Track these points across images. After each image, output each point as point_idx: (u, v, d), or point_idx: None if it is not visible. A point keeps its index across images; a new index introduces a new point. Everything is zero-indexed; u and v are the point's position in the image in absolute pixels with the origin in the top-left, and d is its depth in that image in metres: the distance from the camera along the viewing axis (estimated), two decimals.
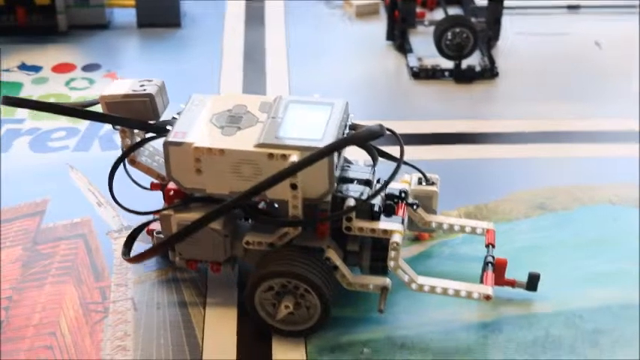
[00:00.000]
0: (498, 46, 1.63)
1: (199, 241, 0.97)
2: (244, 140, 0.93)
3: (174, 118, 0.99)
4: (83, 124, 1.36)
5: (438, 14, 1.67)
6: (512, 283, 1.02)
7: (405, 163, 1.02)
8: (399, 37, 1.62)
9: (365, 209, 0.96)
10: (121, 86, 1.00)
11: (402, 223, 0.98)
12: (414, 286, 0.97)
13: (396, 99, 1.49)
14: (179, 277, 1.07)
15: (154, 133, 1.01)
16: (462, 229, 1.07)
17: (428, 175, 1.08)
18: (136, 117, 0.99)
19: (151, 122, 1.00)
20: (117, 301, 1.04)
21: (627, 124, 1.40)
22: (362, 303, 1.02)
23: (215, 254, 0.98)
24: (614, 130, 1.39)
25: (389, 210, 0.98)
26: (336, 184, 0.95)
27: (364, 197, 0.95)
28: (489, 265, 1.00)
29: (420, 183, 1.08)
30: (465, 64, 1.53)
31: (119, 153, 1.27)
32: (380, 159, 1.02)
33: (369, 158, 1.01)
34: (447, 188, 1.21)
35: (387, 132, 0.93)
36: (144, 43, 1.65)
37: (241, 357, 0.96)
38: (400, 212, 1.00)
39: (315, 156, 0.89)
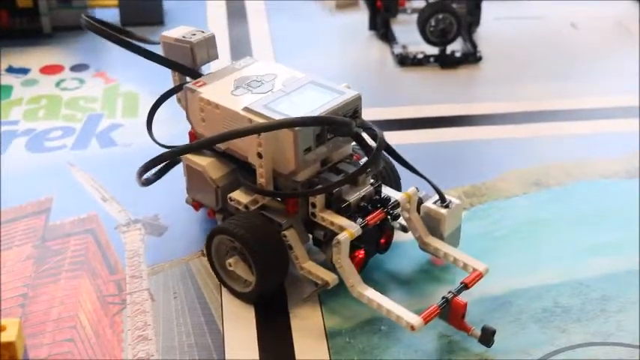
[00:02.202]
0: (478, 32, 1.66)
1: (202, 186, 1.04)
2: (242, 103, 0.99)
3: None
4: (78, 123, 1.37)
5: (417, 3, 1.69)
6: (467, 330, 0.95)
7: (427, 181, 1.04)
8: (381, 27, 1.64)
9: (337, 203, 0.98)
10: (178, 31, 1.08)
11: (363, 226, 0.96)
12: (355, 292, 0.97)
13: (384, 86, 1.51)
14: (192, 267, 1.08)
15: (189, 77, 1.08)
16: (455, 261, 1.02)
17: (447, 197, 1.04)
18: (181, 60, 1.07)
19: (189, 67, 1.07)
20: (133, 293, 1.05)
21: (610, 101, 1.44)
22: (383, 283, 1.05)
23: (210, 201, 1.05)
24: (598, 107, 1.43)
25: (361, 211, 0.99)
26: (316, 170, 0.99)
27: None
28: (444, 300, 0.95)
29: (435, 203, 1.04)
30: (448, 49, 1.56)
31: (117, 150, 1.30)
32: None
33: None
34: (442, 169, 1.25)
35: (359, 127, 0.97)
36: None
37: (262, 336, 0.97)
38: (371, 217, 0.98)
39: (272, 124, 0.93)
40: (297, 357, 0.95)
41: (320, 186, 0.98)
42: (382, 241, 1.02)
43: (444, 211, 1.03)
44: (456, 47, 1.58)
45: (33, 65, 1.56)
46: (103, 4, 1.70)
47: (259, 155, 0.97)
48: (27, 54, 1.59)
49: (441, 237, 1.04)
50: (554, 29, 1.70)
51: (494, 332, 0.94)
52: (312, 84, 1.02)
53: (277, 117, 0.95)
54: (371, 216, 0.98)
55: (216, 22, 1.71)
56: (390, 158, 1.07)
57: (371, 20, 1.66)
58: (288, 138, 0.95)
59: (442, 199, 1.03)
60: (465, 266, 1.00)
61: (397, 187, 1.08)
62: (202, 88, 1.03)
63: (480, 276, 0.99)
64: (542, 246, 1.12)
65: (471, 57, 1.56)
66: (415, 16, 1.58)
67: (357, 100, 0.99)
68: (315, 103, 0.98)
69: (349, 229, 0.96)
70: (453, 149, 1.32)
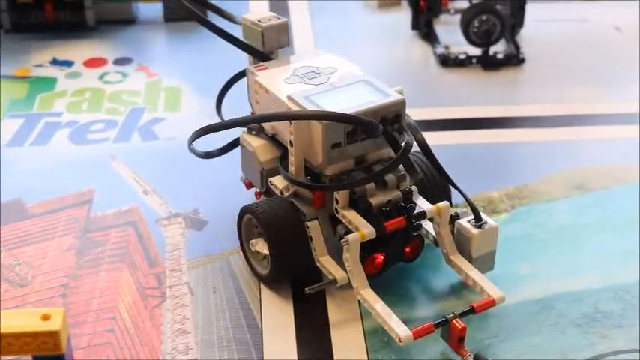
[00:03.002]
0: (522, 34, 1.65)
1: (252, 167, 1.07)
2: (289, 91, 1.00)
3: None
4: (120, 117, 1.38)
5: (461, 3, 1.69)
6: (463, 355, 0.92)
7: (464, 196, 1.02)
8: (424, 27, 1.64)
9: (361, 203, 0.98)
10: (256, 15, 1.11)
11: (378, 229, 0.95)
12: (357, 295, 0.96)
13: (425, 86, 1.51)
14: (231, 262, 1.08)
15: (259, 60, 1.09)
16: (474, 284, 0.99)
17: (485, 217, 1.00)
18: (254, 43, 1.09)
19: (259, 50, 1.09)
20: (173, 286, 1.05)
21: None
22: (414, 284, 1.04)
23: (257, 182, 1.08)
24: None
25: (385, 214, 0.97)
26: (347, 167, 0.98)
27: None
28: (443, 320, 0.93)
29: (470, 221, 1.01)
30: (491, 51, 1.55)
31: (158, 144, 1.30)
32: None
33: None
34: (484, 171, 1.25)
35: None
36: (171, 36, 1.67)
37: (301, 334, 0.97)
38: (390, 223, 0.96)
39: (297, 114, 0.95)
40: (334, 355, 0.95)
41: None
42: (407, 249, 1.00)
43: (475, 231, 0.99)
44: (499, 49, 1.57)
45: (77, 58, 1.57)
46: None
47: (290, 144, 0.98)
48: (71, 47, 1.61)
49: (469, 257, 1.00)
50: (598, 32, 1.69)
51: None
52: (363, 82, 1.01)
53: (312, 108, 0.96)
54: (390, 222, 0.96)
55: None
56: (433, 169, 1.04)
57: (413, 20, 1.66)
58: (317, 131, 0.95)
59: (477, 218, 1.00)
60: (482, 290, 0.97)
61: (445, 200, 1.03)
62: (260, 72, 1.05)
63: (493, 303, 0.95)
64: (582, 250, 1.11)
65: (514, 59, 1.56)
66: (458, 17, 1.57)
67: (400, 104, 0.98)
68: (356, 100, 0.97)
69: (363, 229, 0.95)
70: (495, 151, 1.31)
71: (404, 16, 1.71)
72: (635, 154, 1.30)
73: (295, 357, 0.94)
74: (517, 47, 1.58)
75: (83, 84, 1.49)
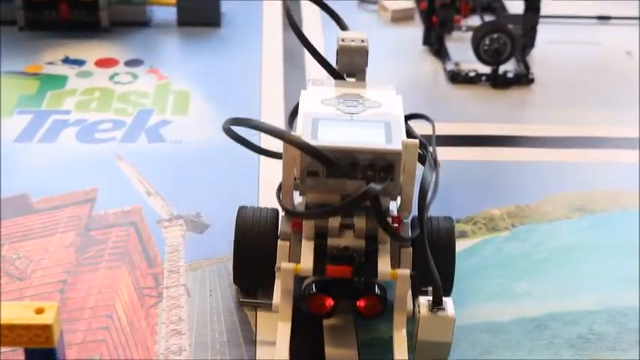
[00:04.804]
0: (532, 54, 1.66)
1: None
2: (312, 110, 0.98)
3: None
4: (129, 117, 1.39)
5: (472, 20, 1.69)
6: None
7: (433, 277, 0.90)
8: (435, 42, 1.64)
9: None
10: (349, 34, 1.10)
11: (318, 268, 0.92)
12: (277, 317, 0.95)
13: (434, 102, 1.51)
14: (229, 266, 1.08)
15: (332, 76, 1.08)
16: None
17: (447, 303, 0.89)
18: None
19: (333, 68, 1.08)
20: (170, 287, 1.06)
21: None
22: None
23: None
24: None
25: (335, 258, 0.93)
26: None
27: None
28: None
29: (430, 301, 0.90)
30: (501, 69, 1.55)
31: (165, 146, 1.31)
32: None
33: None
34: (487, 188, 1.25)
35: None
36: (184, 41, 1.67)
37: (295, 339, 0.97)
38: (332, 268, 0.92)
39: (276, 131, 0.91)
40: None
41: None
42: (360, 304, 0.93)
43: (424, 311, 0.89)
44: (509, 68, 1.57)
45: (89, 57, 1.58)
46: (161, 2, 1.72)
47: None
48: (84, 46, 1.62)
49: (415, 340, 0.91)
50: (609, 56, 1.69)
51: None
52: (384, 124, 0.96)
53: (309, 131, 0.93)
54: (334, 267, 0.92)
55: (272, 29, 1.73)
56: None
57: (425, 35, 1.66)
58: (297, 154, 0.92)
59: (435, 300, 0.89)
60: None
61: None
62: (310, 87, 1.04)
63: None
64: (581, 272, 1.11)
65: (523, 78, 1.56)
66: (470, 34, 1.58)
67: (394, 155, 0.90)
68: (353, 137, 0.93)
69: (301, 264, 0.92)
70: (500, 169, 1.31)
71: (416, 31, 1.71)
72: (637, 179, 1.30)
73: None
74: (527, 67, 1.58)
75: (93, 83, 1.50)
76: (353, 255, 0.92)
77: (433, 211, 1.04)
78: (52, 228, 1.14)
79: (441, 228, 1.01)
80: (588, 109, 1.49)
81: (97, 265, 1.08)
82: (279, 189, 1.00)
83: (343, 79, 1.08)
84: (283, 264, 0.93)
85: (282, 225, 0.98)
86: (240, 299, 1.02)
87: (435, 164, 1.11)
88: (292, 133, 0.93)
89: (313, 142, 0.90)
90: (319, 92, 1.03)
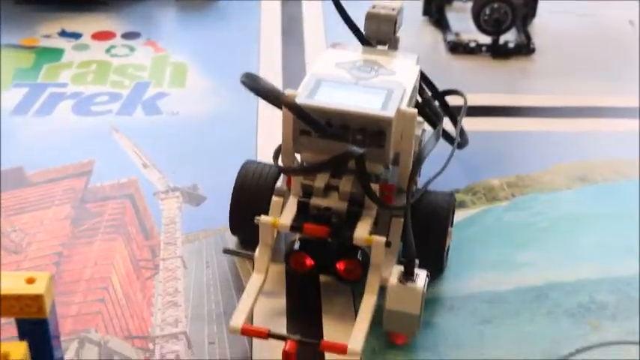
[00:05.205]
0: (533, 24, 1.64)
1: None
2: (322, 71, 0.98)
3: None
4: (125, 90, 1.38)
5: None
6: None
7: (408, 249, 0.90)
8: (435, 13, 1.63)
9: None
10: (386, 2, 1.08)
11: (295, 225, 0.92)
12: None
13: (434, 73, 1.46)
14: (226, 238, 1.08)
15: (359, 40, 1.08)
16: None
17: (419, 274, 0.90)
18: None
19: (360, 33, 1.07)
20: (166, 259, 1.05)
21: None
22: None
23: None
24: None
25: (315, 217, 0.92)
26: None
27: None
28: (280, 336, 0.88)
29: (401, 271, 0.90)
30: (501, 39, 1.54)
31: (161, 119, 1.30)
32: None
33: None
34: (487, 158, 1.23)
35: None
36: (182, 13, 1.66)
37: (292, 309, 0.97)
38: (310, 226, 0.91)
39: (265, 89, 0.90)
40: (324, 334, 0.94)
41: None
42: (340, 266, 0.93)
43: (393, 281, 0.89)
44: (510, 38, 1.55)
45: (86, 30, 1.57)
46: None
47: None
48: (81, 19, 1.60)
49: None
50: (611, 26, 1.67)
51: None
52: (386, 90, 0.94)
53: (304, 92, 0.93)
54: (311, 226, 0.91)
55: (270, 2, 1.71)
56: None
57: (425, 6, 1.65)
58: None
59: (406, 270, 0.89)
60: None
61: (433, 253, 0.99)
62: (332, 49, 1.04)
63: (342, 350, 0.86)
64: (582, 241, 1.10)
65: (524, 48, 1.54)
66: (470, 4, 1.56)
67: (384, 121, 0.90)
68: (350, 101, 0.92)
69: (281, 219, 0.92)
70: (501, 139, 1.30)
71: (416, 2, 1.69)
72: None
73: (285, 333, 0.93)
74: (528, 37, 1.56)
75: (90, 56, 1.48)
76: (332, 216, 0.92)
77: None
78: (48, 201, 1.14)
79: (438, 203, 1.00)
80: (589, 79, 1.47)
81: (93, 238, 1.08)
82: (277, 150, 0.99)
83: (372, 45, 1.07)
84: (263, 217, 0.93)
85: (279, 182, 0.99)
86: (224, 248, 1.02)
87: (462, 138, 1.10)
88: (289, 92, 0.93)
89: (307, 102, 0.91)
90: (338, 55, 1.02)
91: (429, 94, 1.12)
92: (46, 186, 1.16)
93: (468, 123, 1.33)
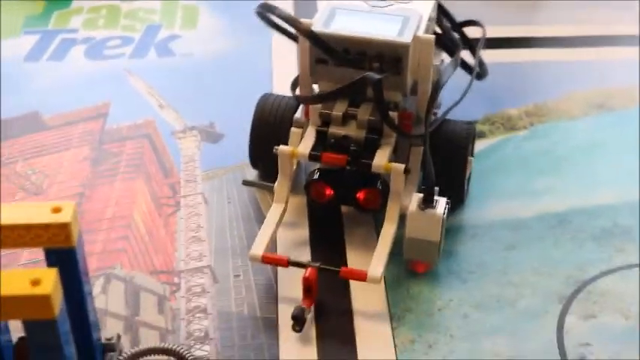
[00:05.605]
0: None
1: None
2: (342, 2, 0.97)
3: None
4: (137, 33, 1.37)
5: None
6: (304, 305, 0.86)
7: (428, 177, 0.90)
8: None
9: None
10: None
11: (314, 154, 0.92)
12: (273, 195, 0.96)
13: (445, 5, 1.47)
14: (246, 173, 1.07)
15: None
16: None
17: (438, 202, 0.90)
18: None
19: None
20: (187, 196, 1.05)
21: None
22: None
23: None
24: None
25: (335, 146, 0.93)
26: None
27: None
28: (300, 264, 0.88)
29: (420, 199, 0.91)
30: None
31: (175, 60, 1.29)
32: None
33: None
34: (504, 89, 1.22)
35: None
36: None
37: (315, 239, 0.97)
38: (328, 155, 0.92)
39: (283, 15, 0.93)
40: (348, 265, 0.94)
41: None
42: (360, 195, 0.93)
43: (413, 208, 0.90)
44: None
45: None
46: None
47: None
48: None
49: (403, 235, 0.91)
50: None
51: None
52: (402, 18, 0.94)
53: (320, 20, 0.92)
54: (330, 154, 0.92)
55: None
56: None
57: None
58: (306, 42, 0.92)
59: (426, 199, 0.90)
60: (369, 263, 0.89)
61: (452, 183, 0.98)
62: None
63: (363, 277, 0.86)
64: (601, 167, 1.09)
65: None
66: None
67: (401, 47, 0.90)
68: (365, 28, 0.92)
69: (299, 148, 0.93)
70: (517, 70, 1.29)
71: None
72: None
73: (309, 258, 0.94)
74: None
75: (99, 1, 1.47)
76: (351, 145, 0.91)
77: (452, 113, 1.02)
78: (66, 143, 1.13)
79: (457, 132, 0.99)
80: (604, 8, 1.46)
81: (113, 178, 1.07)
82: (295, 81, 0.99)
83: None
84: (281, 147, 0.93)
85: (298, 113, 0.99)
86: (243, 180, 1.02)
87: (481, 68, 1.09)
88: (305, 21, 0.92)
89: (324, 30, 0.90)
90: None
91: (448, 25, 1.11)
92: (63, 129, 1.16)
93: (484, 55, 1.32)
